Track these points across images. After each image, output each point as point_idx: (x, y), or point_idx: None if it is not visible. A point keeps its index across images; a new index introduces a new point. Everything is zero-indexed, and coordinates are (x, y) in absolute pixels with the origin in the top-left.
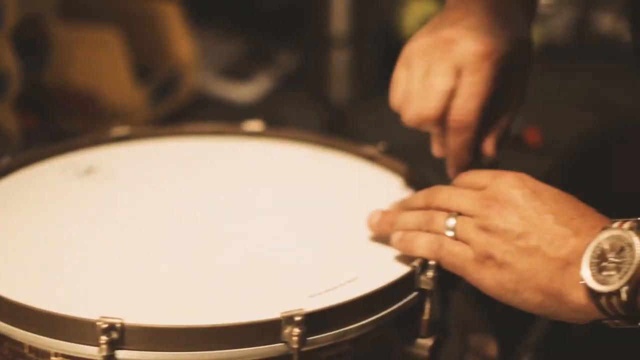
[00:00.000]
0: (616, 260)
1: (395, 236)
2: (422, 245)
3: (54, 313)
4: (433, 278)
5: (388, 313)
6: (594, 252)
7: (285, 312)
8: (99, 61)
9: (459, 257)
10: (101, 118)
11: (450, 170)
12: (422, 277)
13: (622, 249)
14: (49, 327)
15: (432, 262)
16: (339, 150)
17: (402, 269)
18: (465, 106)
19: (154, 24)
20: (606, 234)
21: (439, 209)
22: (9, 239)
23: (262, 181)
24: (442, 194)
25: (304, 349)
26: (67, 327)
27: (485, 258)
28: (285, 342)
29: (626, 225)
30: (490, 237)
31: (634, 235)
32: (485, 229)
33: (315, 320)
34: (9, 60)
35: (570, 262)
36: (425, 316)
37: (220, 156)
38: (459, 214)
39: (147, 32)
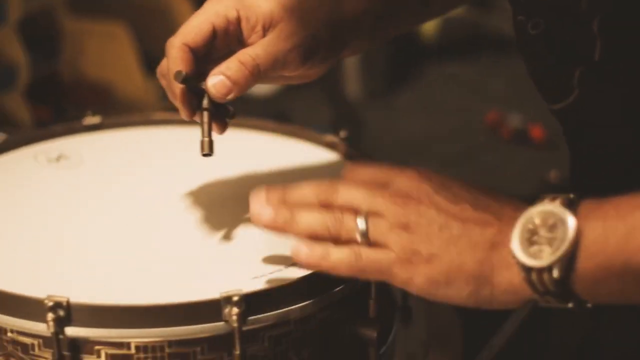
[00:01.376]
0: (548, 235)
1: (301, 251)
2: (339, 262)
3: (6, 291)
4: None
5: (331, 295)
6: (524, 226)
7: (224, 292)
8: (110, 54)
9: (382, 263)
10: (114, 109)
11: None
12: None
13: (554, 225)
14: (2, 304)
15: None
16: (300, 139)
17: None
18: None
19: (165, 17)
20: (538, 208)
21: (341, 208)
22: None
23: (219, 169)
24: (344, 192)
25: (245, 327)
26: (18, 305)
27: (411, 256)
28: (226, 321)
29: (558, 200)
30: (411, 235)
31: (567, 211)
32: (403, 226)
33: (254, 301)
34: (18, 53)
35: (498, 242)
36: (372, 297)
37: (186, 145)
38: (368, 213)
39: (158, 25)
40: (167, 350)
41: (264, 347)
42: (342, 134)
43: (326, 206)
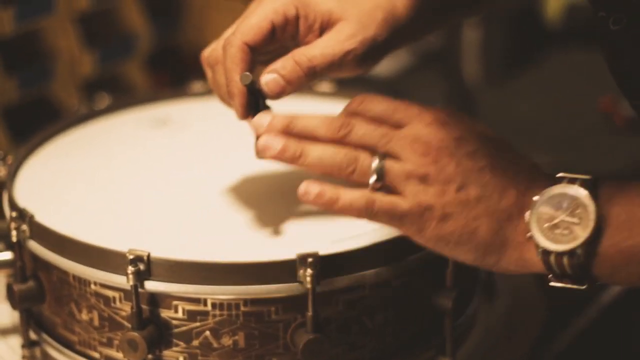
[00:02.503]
0: (568, 219)
1: (310, 190)
2: (350, 205)
3: (91, 244)
4: None
5: (407, 262)
6: (543, 207)
7: (299, 253)
8: (231, 25)
9: (395, 211)
10: None
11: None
12: None
13: (575, 209)
14: (87, 256)
15: None
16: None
17: None
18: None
19: None
20: (557, 189)
21: (358, 145)
22: (66, 175)
23: None
24: (358, 128)
25: (319, 289)
26: (102, 258)
27: (425, 210)
28: (300, 282)
29: (577, 183)
30: (427, 187)
31: (588, 195)
32: (420, 177)
33: (329, 263)
34: (138, 22)
35: (513, 215)
36: (450, 267)
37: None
38: (385, 153)
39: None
40: (242, 308)
41: (338, 310)
42: None
43: (338, 141)
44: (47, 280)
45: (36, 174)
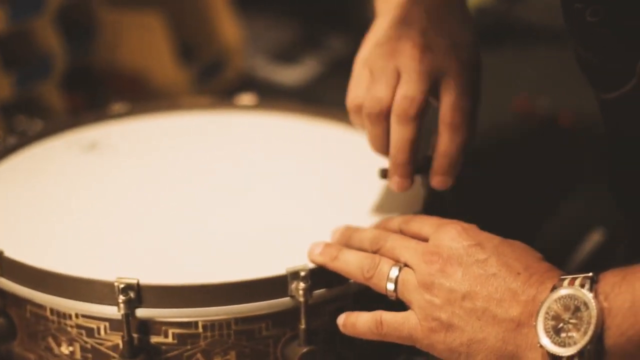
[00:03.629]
0: (573, 321)
1: (341, 320)
2: (362, 326)
3: (74, 276)
4: None
5: None
6: (547, 313)
7: (290, 268)
8: (144, 43)
9: (403, 330)
10: (148, 98)
11: (391, 178)
12: None
13: (577, 309)
14: (69, 289)
15: None
16: (330, 119)
17: None
18: (408, 93)
19: (199, 7)
20: (557, 293)
21: (384, 254)
22: (22, 208)
23: (258, 152)
24: (390, 241)
25: (310, 302)
26: (87, 289)
27: (431, 322)
28: (292, 297)
29: (577, 282)
30: (434, 297)
31: (587, 293)
32: (427, 287)
33: (319, 276)
34: (54, 42)
35: (522, 323)
36: None
37: (215, 128)
38: (405, 265)
39: (192, 15)
40: (233, 327)
41: (324, 322)
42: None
43: (374, 252)
44: (19, 317)
45: None
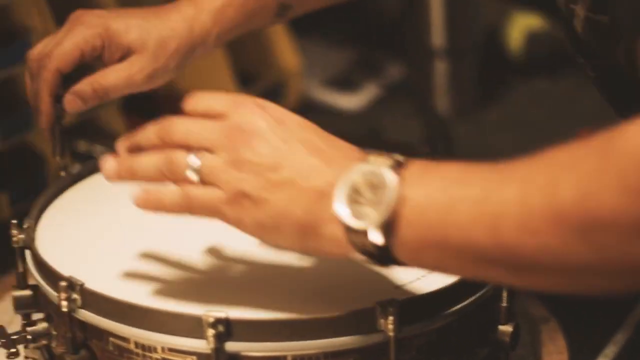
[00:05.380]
0: (371, 197)
1: (139, 196)
2: (170, 202)
3: (160, 309)
4: None
5: (471, 301)
6: (349, 183)
7: (380, 301)
8: (204, 69)
9: (212, 203)
10: None
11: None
12: None
13: (377, 187)
14: (155, 322)
15: None
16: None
17: None
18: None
19: (258, 33)
20: (364, 166)
21: (178, 145)
22: (97, 238)
23: None
24: (178, 127)
25: (399, 336)
26: (174, 322)
27: (240, 197)
28: (381, 331)
29: (386, 161)
30: (241, 173)
31: (392, 174)
32: (234, 164)
33: (408, 309)
34: None
35: (325, 194)
36: (504, 303)
37: None
38: (201, 149)
39: (251, 41)
40: None
41: (411, 356)
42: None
43: (164, 145)
44: (101, 349)
45: (56, 238)
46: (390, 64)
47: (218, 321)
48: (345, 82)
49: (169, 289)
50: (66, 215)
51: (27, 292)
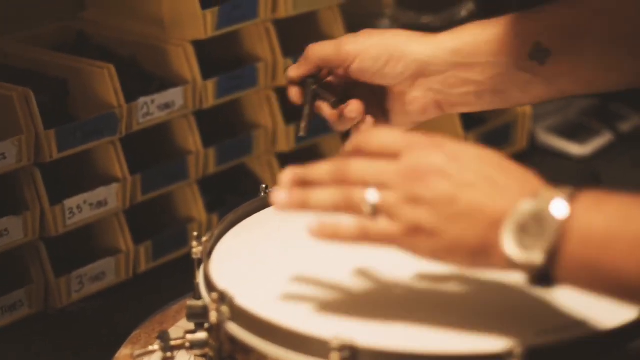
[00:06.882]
0: (537, 230)
1: (315, 227)
2: (345, 233)
3: (294, 330)
4: None
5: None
6: (515, 218)
7: (506, 346)
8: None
9: (388, 237)
10: None
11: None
12: None
13: (542, 220)
14: (289, 342)
15: None
16: None
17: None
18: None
19: None
20: (530, 202)
21: (353, 183)
22: (260, 261)
23: None
24: (355, 166)
25: None
26: (305, 343)
27: (416, 230)
28: None
29: (550, 193)
30: (416, 209)
31: (556, 209)
32: (410, 200)
33: (537, 357)
34: None
35: (496, 222)
36: None
37: None
38: (377, 187)
39: None
40: None
41: None
42: None
43: (340, 182)
44: None
45: (229, 253)
46: (624, 111)
47: (344, 347)
48: (576, 130)
49: (315, 311)
50: (248, 235)
51: (199, 303)
